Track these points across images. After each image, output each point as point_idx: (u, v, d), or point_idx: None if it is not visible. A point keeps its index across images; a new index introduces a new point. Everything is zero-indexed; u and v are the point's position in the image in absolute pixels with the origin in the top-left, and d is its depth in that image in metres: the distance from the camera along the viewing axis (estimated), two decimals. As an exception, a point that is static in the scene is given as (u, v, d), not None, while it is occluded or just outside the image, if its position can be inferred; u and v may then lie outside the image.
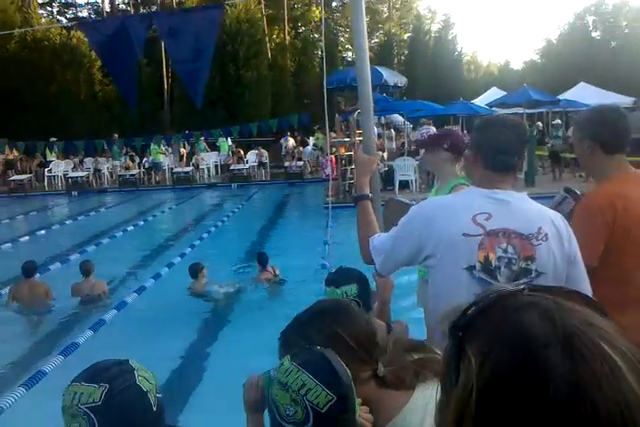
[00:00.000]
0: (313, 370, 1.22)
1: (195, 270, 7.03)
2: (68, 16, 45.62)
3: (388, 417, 1.39)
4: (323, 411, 1.19)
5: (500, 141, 1.98)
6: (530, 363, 0.57)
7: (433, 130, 14.00)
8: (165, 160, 20.93)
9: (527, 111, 18.78)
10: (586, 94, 20.05)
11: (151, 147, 20.05)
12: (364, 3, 2.90)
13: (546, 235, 1.90)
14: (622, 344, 0.59)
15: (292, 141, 22.21)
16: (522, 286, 0.66)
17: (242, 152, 21.76)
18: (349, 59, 39.64)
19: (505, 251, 1.88)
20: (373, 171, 2.87)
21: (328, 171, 13.51)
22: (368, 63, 3.05)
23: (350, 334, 1.43)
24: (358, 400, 1.26)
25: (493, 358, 0.60)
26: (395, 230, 2.12)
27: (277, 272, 7.37)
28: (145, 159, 21.05)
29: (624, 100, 19.44)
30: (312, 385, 1.20)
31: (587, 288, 1.98)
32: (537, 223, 1.92)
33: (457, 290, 1.90)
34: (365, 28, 3.06)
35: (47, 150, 21.04)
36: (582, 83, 22.04)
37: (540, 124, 18.26)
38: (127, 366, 1.37)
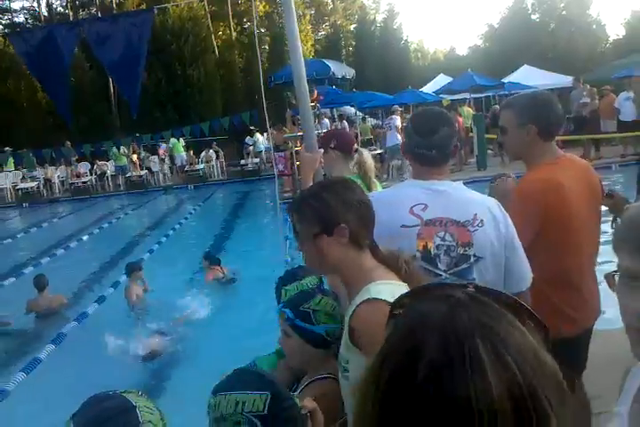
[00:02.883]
0: (235, 387, 1.25)
1: (130, 269, 6.91)
2: (3, 22, 44.08)
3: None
4: (265, 412, 1.20)
5: (411, 136, 2.08)
6: (407, 343, 0.66)
7: (394, 119, 14.01)
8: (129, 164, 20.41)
9: (473, 96, 19.15)
10: (529, 76, 20.52)
11: (113, 151, 19.58)
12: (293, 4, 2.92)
13: (481, 221, 1.97)
14: (509, 345, 0.64)
15: (261, 138, 21.60)
16: (468, 283, 0.74)
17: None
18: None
19: (443, 239, 1.95)
20: (316, 168, 2.92)
21: (281, 167, 13.47)
22: (302, 61, 3.08)
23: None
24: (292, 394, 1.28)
25: (392, 334, 0.70)
26: None
27: (226, 271, 7.41)
28: (102, 165, 20.53)
29: (564, 80, 19.96)
30: (243, 398, 1.21)
31: (525, 270, 2.06)
32: (472, 210, 1.98)
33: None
34: (297, 26, 3.09)
35: (4, 161, 20.44)
36: (525, 65, 22.53)
37: (497, 107, 18.58)
38: (133, 417, 1.16)
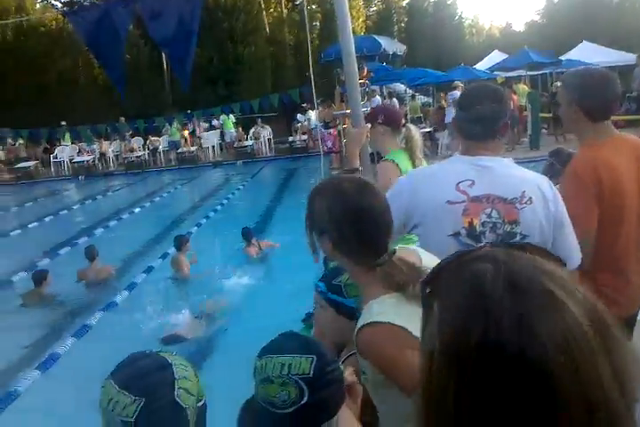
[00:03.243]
0: (281, 350, 1.27)
1: (179, 242, 7.10)
2: (62, 0, 44.98)
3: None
4: (311, 375, 1.21)
5: (458, 111, 2.05)
6: (478, 302, 0.62)
7: (457, 94, 13.73)
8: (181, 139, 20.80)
9: (529, 73, 18.52)
10: (588, 53, 19.65)
11: (172, 126, 19.94)
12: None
13: (530, 198, 1.93)
14: (570, 285, 0.63)
15: (314, 115, 21.52)
16: (484, 244, 0.73)
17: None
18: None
19: (489, 216, 1.93)
20: (363, 143, 2.94)
21: (329, 144, 13.47)
22: (351, 38, 3.07)
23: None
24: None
25: (449, 304, 0.65)
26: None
27: (262, 246, 7.56)
28: (155, 140, 20.98)
29: (627, 58, 19.05)
30: (289, 360, 1.23)
31: (574, 251, 2.02)
32: (520, 187, 1.95)
33: (444, 256, 1.97)
34: (346, 3, 3.08)
35: (62, 136, 21.13)
36: (584, 42, 21.58)
37: (558, 83, 17.94)
38: (169, 373, 1.20)
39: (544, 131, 15.30)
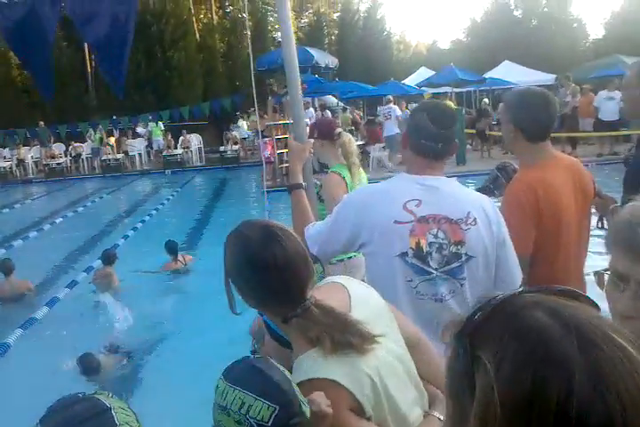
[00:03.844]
0: (247, 385, 1.18)
1: (107, 257, 6.84)
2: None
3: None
4: (269, 424, 1.15)
5: (423, 127, 2.00)
6: (549, 357, 0.58)
7: (393, 108, 14.00)
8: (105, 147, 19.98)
9: (455, 90, 19.21)
10: (510, 72, 20.66)
11: (95, 133, 19.13)
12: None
13: (475, 219, 1.95)
14: (626, 333, 0.61)
15: (245, 124, 21.34)
16: (518, 290, 0.67)
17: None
18: (279, 39, 39.12)
19: (435, 236, 1.93)
20: (305, 158, 2.86)
21: (266, 154, 13.38)
22: (294, 49, 3.00)
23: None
24: (305, 399, 1.22)
25: (510, 356, 0.59)
26: (329, 219, 2.13)
27: (186, 261, 7.42)
28: (78, 146, 20.09)
29: (546, 77, 20.14)
30: (251, 401, 1.16)
31: (516, 270, 2.06)
32: (466, 208, 1.96)
33: (391, 277, 1.94)
34: (290, 13, 3.01)
35: None
36: (506, 61, 22.66)
37: (486, 100, 18.61)
38: (109, 419, 1.08)
39: (469, 146, 15.84)
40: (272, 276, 1.34)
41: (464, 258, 1.94)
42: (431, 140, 1.98)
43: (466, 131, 14.67)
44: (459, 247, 1.93)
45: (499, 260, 2.01)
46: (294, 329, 1.37)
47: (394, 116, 14.03)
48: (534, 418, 0.57)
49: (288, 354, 1.52)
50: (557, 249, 2.30)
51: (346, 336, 1.31)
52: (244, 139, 21.06)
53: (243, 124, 21.04)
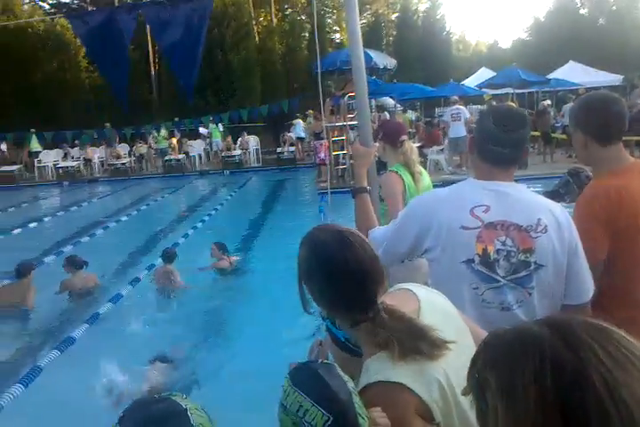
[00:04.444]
0: (307, 390, 1.19)
1: (167, 255, 6.99)
2: (50, 2, 44.76)
3: None
4: None
5: (488, 131, 1.96)
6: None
7: (462, 110, 13.85)
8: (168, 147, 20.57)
9: (517, 91, 18.74)
10: (575, 73, 20.01)
11: (160, 133, 19.71)
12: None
13: (545, 226, 1.90)
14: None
15: (302, 123, 21.58)
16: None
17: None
18: (338, 41, 39.23)
19: (503, 243, 1.88)
20: (370, 162, 2.86)
21: (322, 155, 13.43)
22: (362, 51, 3.02)
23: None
24: (365, 412, 1.21)
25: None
26: (395, 222, 2.12)
27: (232, 260, 7.51)
28: (141, 147, 20.74)
29: (613, 78, 19.42)
30: (308, 406, 1.17)
31: (587, 280, 1.99)
32: (536, 215, 1.91)
33: (456, 283, 1.91)
34: (358, 14, 3.01)
35: (32, 140, 20.74)
36: (571, 61, 21.95)
37: (546, 102, 18.05)
38: (185, 420, 1.12)
39: (531, 150, 15.42)
40: (344, 280, 1.35)
41: (533, 267, 1.89)
42: (498, 145, 1.93)
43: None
44: (527, 255, 1.88)
45: (569, 269, 1.94)
46: (364, 334, 1.37)
47: (463, 117, 13.66)
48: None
49: (352, 362, 1.53)
50: (634, 261, 2.19)
51: (415, 342, 1.30)
52: (300, 139, 21.19)
53: (299, 122, 21.21)
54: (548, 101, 18.06)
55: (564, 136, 15.18)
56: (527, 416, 0.68)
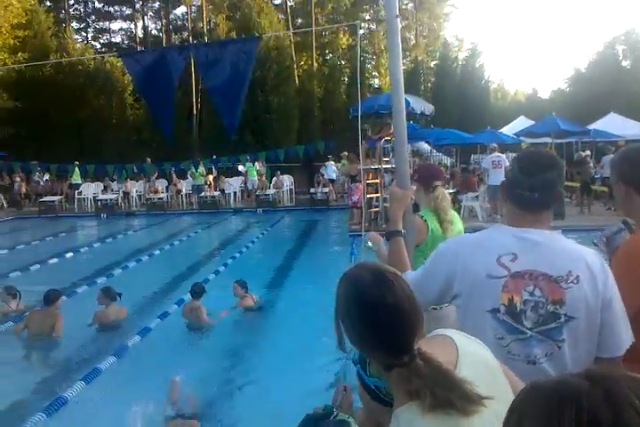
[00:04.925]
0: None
1: (197, 291, 7.00)
2: (101, 41, 47.14)
3: None
4: None
5: (514, 176, 1.93)
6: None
7: (503, 157, 13.78)
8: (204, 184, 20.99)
9: (556, 141, 18.62)
10: (616, 125, 19.86)
11: (197, 170, 20.14)
12: (399, 40, 2.89)
13: (577, 277, 1.82)
14: None
15: (333, 167, 21.99)
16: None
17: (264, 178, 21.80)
18: (376, 86, 40.01)
19: (531, 294, 1.81)
20: (406, 205, 2.84)
21: (355, 198, 13.46)
22: (403, 96, 3.03)
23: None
24: None
25: None
26: (424, 267, 2.07)
27: (255, 299, 7.47)
28: (179, 182, 21.18)
29: (655, 131, 19.15)
30: None
31: (624, 331, 1.88)
32: (568, 265, 1.84)
33: (481, 332, 1.82)
34: (401, 61, 3.05)
35: (75, 173, 21.38)
36: (612, 113, 21.83)
37: (584, 153, 17.89)
38: None
39: (567, 200, 15.19)
40: (381, 320, 1.31)
41: (563, 319, 1.80)
42: (525, 189, 1.89)
43: (566, 183, 14.11)
44: (557, 307, 1.80)
45: (603, 322, 1.84)
46: (396, 379, 1.31)
47: (504, 165, 13.56)
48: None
49: (381, 409, 1.47)
50: None
51: (448, 394, 1.24)
52: (331, 180, 21.41)
53: (330, 164, 21.51)
54: (588, 152, 17.86)
55: (603, 188, 14.94)
56: None
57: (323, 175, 21.93)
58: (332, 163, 21.60)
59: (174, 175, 21.14)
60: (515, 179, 1.93)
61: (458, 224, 3.60)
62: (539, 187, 1.88)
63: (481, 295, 1.84)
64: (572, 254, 1.87)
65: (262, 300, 7.73)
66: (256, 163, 21.58)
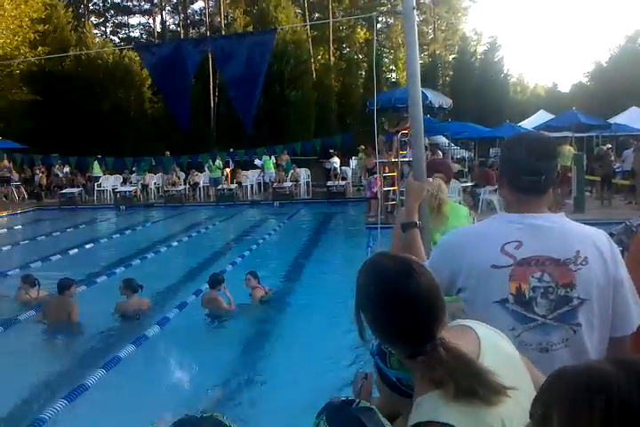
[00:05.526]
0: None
1: (214, 281, 7.07)
2: (120, 36, 47.49)
3: None
4: None
5: (521, 161, 1.85)
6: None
7: None
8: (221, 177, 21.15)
9: (576, 135, 18.40)
10: (637, 119, 19.55)
11: (214, 163, 20.25)
12: (416, 32, 2.90)
13: (585, 258, 1.78)
14: None
15: (338, 161, 22.21)
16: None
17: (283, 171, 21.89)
18: (393, 80, 39.80)
19: (540, 280, 1.78)
20: (423, 197, 2.84)
21: (375, 189, 13.47)
22: (419, 89, 3.03)
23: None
24: None
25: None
26: (428, 261, 2.05)
27: (267, 290, 7.49)
28: (196, 175, 21.33)
29: (677, 125, 18.83)
30: None
31: (635, 309, 1.85)
32: (574, 246, 1.80)
33: (491, 325, 1.83)
34: (418, 54, 3.05)
35: (94, 165, 21.63)
36: (634, 107, 21.50)
37: (606, 146, 17.61)
38: None
39: (588, 194, 15.02)
40: (404, 309, 1.31)
41: (576, 302, 1.77)
42: (533, 174, 1.83)
43: (586, 177, 13.94)
44: (568, 290, 1.77)
45: (615, 301, 1.81)
46: (419, 368, 1.32)
47: None
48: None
49: (400, 400, 1.48)
50: None
51: (472, 384, 1.24)
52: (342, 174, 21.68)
53: (335, 160, 21.72)
54: (609, 145, 17.62)
55: (625, 182, 14.74)
56: None
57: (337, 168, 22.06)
58: (337, 159, 21.83)
59: (193, 169, 21.28)
60: (521, 164, 1.85)
61: (455, 221, 3.49)
62: (547, 171, 1.84)
63: (487, 287, 1.81)
64: (580, 236, 1.84)
65: (274, 291, 7.76)
66: (275, 156, 21.64)
